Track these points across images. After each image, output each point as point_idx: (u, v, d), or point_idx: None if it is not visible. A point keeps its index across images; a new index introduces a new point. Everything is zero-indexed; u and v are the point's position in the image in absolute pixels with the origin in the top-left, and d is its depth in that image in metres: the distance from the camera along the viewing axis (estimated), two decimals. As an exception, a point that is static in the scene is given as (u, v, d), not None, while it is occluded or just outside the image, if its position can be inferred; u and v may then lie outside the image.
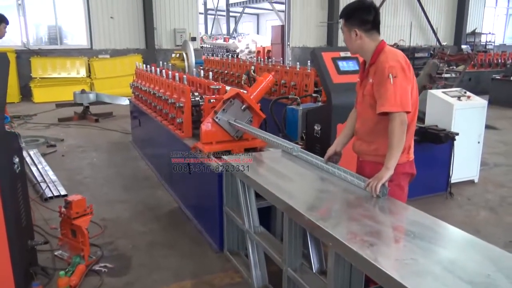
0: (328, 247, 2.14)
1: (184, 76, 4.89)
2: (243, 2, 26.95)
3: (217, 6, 30.00)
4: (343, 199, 2.57)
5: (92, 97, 9.45)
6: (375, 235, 2.06)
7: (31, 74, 12.04)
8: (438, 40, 19.82)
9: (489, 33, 21.85)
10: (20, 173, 2.97)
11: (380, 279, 1.78)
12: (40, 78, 12.04)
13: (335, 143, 2.97)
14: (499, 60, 14.27)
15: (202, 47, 18.40)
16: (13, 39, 12.64)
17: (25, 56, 12.15)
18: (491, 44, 21.62)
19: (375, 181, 2.46)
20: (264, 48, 19.93)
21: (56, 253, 3.57)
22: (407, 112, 2.52)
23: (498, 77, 11.73)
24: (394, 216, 2.33)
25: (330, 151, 2.94)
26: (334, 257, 2.09)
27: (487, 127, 8.47)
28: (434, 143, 4.64)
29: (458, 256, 1.94)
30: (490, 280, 1.69)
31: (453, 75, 12.33)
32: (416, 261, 1.84)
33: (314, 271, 2.69)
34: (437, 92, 5.27)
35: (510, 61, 13.94)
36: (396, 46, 18.16)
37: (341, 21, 2.72)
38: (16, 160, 2.89)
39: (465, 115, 5.02)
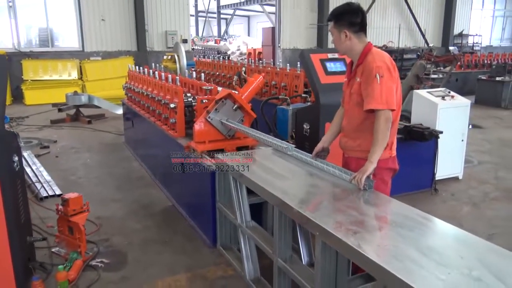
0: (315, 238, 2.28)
1: (177, 77, 5.00)
2: (234, 4, 27.07)
3: (208, 8, 30.10)
4: (331, 193, 2.71)
5: (84, 99, 9.51)
6: (359, 225, 2.20)
7: (22, 77, 12.07)
8: (426, 41, 20.15)
9: (476, 34, 22.24)
10: (19, 171, 3.07)
11: (363, 263, 1.92)
12: (31, 80, 12.08)
13: (322, 140, 3.11)
14: (485, 61, 14.58)
15: (193, 49, 18.52)
16: (4, 41, 12.66)
17: (16, 58, 12.16)
18: (478, 46, 22.01)
19: (360, 175, 2.60)
20: (255, 50, 20.06)
21: (53, 250, 3.67)
22: (392, 110, 2.67)
23: (484, 78, 11.99)
24: (378, 208, 2.47)
25: (318, 148, 3.08)
26: (321, 245, 2.23)
27: (473, 126, 8.74)
28: (419, 141, 4.81)
29: (436, 243, 2.09)
30: (463, 262, 1.84)
31: (441, 75, 12.59)
32: (396, 247, 1.99)
33: (304, 264, 2.82)
34: (422, 92, 5.45)
35: (495, 62, 14.24)
36: (385, 47, 18.45)
37: (330, 23, 2.86)
38: (16, 158, 2.99)
39: (449, 114, 5.20)
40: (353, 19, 2.76)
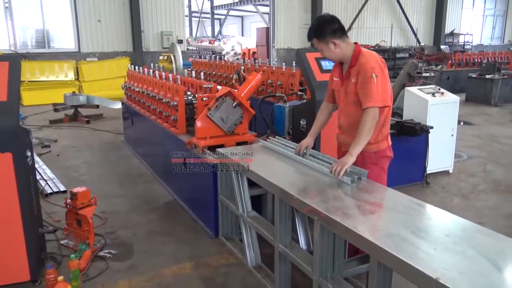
0: (314, 223, 2.46)
1: (178, 76, 5.17)
2: (227, 4, 27.23)
3: (202, 8, 30.22)
4: (328, 182, 2.88)
5: (82, 99, 9.65)
6: (355, 209, 2.40)
7: (19, 78, 12.14)
8: (418, 40, 20.45)
9: (467, 33, 22.58)
10: (32, 165, 3.23)
11: (358, 242, 2.11)
12: (28, 81, 12.15)
13: (310, 136, 3.33)
14: (476, 60, 14.86)
15: (188, 49, 18.65)
16: (1, 42, 12.74)
17: (13, 59, 12.24)
18: (469, 44, 22.35)
19: (339, 166, 2.77)
20: (249, 49, 20.25)
21: (62, 242, 3.83)
22: (387, 106, 2.87)
23: (474, 76, 12.25)
24: (372, 195, 2.65)
25: (304, 145, 3.28)
26: (320, 229, 2.42)
27: (464, 123, 8.99)
28: (411, 135, 5.01)
29: (424, 223, 2.29)
30: (448, 239, 2.03)
31: (432, 74, 12.86)
32: (388, 227, 2.18)
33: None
34: (413, 89, 5.66)
35: (486, 60, 14.53)
36: (377, 47, 18.72)
37: (313, 41, 3.00)
38: (29, 153, 3.15)
39: (439, 110, 5.40)
40: (332, 27, 2.92)
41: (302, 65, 4.46)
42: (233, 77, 5.86)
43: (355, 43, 3.00)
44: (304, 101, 5.29)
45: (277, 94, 5.71)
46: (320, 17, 3.01)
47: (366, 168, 2.90)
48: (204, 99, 4.32)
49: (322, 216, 2.35)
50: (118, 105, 8.84)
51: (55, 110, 9.58)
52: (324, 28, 2.92)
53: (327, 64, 4.31)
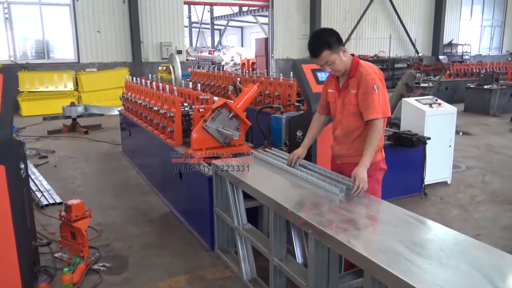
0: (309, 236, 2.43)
1: (174, 88, 5.17)
2: (227, 15, 27.41)
3: (202, 19, 30.42)
4: (323, 195, 2.85)
5: (81, 109, 9.67)
6: (349, 223, 2.37)
7: (18, 88, 12.13)
8: (416, 51, 20.53)
9: (465, 44, 22.68)
10: (25, 178, 3.21)
11: (352, 256, 2.08)
12: (27, 92, 12.16)
13: (303, 146, 3.31)
14: (474, 70, 14.90)
15: (187, 59, 18.72)
16: (0, 53, 12.78)
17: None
18: (467, 55, 22.43)
19: (361, 183, 2.73)
20: (248, 60, 20.32)
21: (56, 255, 3.79)
22: (388, 117, 2.88)
23: (472, 86, 12.27)
24: (367, 208, 2.63)
25: (296, 155, 3.28)
26: (314, 243, 2.39)
27: (463, 133, 8.98)
28: (408, 146, 4.99)
29: (419, 237, 2.25)
30: (443, 254, 2.01)
31: (431, 84, 12.86)
32: (382, 241, 2.16)
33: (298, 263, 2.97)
34: (411, 100, 5.66)
35: (484, 70, 14.56)
36: (376, 57, 18.81)
37: (325, 54, 2.85)
38: (22, 166, 3.13)
39: (436, 121, 5.40)
40: (337, 36, 2.90)
41: (299, 76, 4.47)
42: (230, 89, 5.87)
43: (352, 54, 3.00)
44: (302, 112, 5.28)
45: (274, 105, 5.71)
46: (321, 30, 2.96)
47: (361, 180, 2.87)
48: (201, 110, 4.32)
49: (316, 229, 2.32)
50: (115, 111, 8.81)
51: (44, 119, 9.61)
52: (332, 37, 2.87)
53: (323, 76, 4.31)
